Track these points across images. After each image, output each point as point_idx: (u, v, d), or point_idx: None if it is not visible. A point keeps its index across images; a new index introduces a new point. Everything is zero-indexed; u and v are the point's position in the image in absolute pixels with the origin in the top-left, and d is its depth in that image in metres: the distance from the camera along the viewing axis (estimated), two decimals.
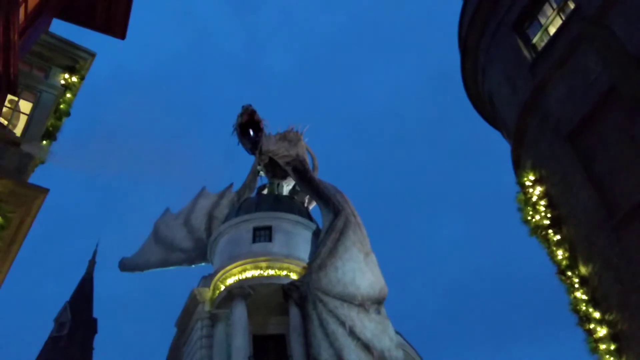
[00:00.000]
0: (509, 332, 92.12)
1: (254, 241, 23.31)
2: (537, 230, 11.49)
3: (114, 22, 12.34)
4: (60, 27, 13.52)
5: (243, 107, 27.40)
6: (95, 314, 37.08)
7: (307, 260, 22.37)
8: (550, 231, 11.27)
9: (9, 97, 12.20)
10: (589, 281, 10.52)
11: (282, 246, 23.05)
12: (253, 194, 28.11)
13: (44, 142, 13.27)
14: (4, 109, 12.35)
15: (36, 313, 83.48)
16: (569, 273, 10.84)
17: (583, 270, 10.64)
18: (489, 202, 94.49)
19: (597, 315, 10.21)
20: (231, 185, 29.20)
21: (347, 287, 20.70)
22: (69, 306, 35.71)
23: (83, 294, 37.48)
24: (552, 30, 11.64)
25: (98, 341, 36.04)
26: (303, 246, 23.41)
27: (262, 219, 24.19)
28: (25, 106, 13.50)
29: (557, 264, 11.09)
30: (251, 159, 28.84)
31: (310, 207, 27.86)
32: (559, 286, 11.12)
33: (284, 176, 27.58)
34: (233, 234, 24.08)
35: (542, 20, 12.04)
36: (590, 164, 10.42)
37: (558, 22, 11.54)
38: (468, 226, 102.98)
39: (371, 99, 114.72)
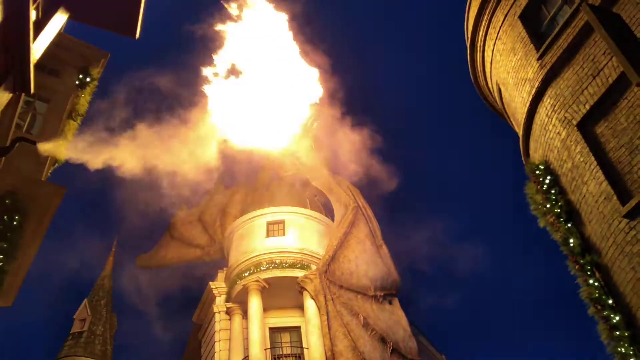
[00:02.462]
0: (524, 323, 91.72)
1: (267, 235, 23.54)
2: (548, 219, 11.49)
3: (126, 22, 12.48)
4: (75, 29, 13.70)
5: None
6: (114, 310, 37.51)
7: (320, 253, 22.54)
8: (561, 220, 11.27)
9: (25, 98, 12.43)
10: (601, 268, 10.52)
11: (296, 240, 23.24)
12: (266, 190, 28.29)
13: (60, 141, 13.50)
14: (20, 110, 12.58)
15: (56, 310, 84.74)
16: (582, 261, 10.83)
17: (596, 257, 10.63)
18: (502, 195, 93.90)
19: (610, 302, 10.21)
20: (244, 180, 29.43)
21: (360, 279, 20.86)
22: (88, 303, 36.16)
23: (102, 291, 37.91)
24: (560, 19, 11.59)
25: (118, 337, 36.51)
26: (316, 239, 23.58)
27: (275, 213, 24.40)
28: (41, 107, 13.73)
29: (569, 252, 11.09)
30: None
31: (323, 201, 27.99)
32: (572, 274, 11.12)
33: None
34: (247, 228, 24.31)
35: (550, 10, 11.99)
36: (600, 152, 10.39)
37: (566, 11, 11.49)
38: (479, 216, 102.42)
39: (384, 91, 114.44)
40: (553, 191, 11.47)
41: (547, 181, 11.61)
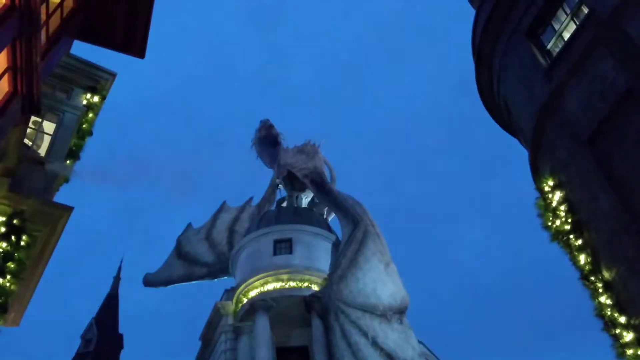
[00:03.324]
0: (534, 339, 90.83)
1: (274, 254, 23.43)
2: (558, 235, 11.40)
3: (134, 42, 12.64)
4: (81, 49, 13.86)
5: (261, 122, 27.76)
6: (120, 330, 37.44)
7: (327, 272, 22.42)
8: (571, 236, 11.16)
9: (33, 118, 12.52)
10: (613, 286, 10.38)
11: (303, 258, 23.12)
12: (272, 207, 28.32)
13: (68, 161, 13.55)
14: (28, 130, 12.66)
15: (63, 330, 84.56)
16: (593, 278, 10.71)
17: (606, 274, 10.50)
18: (510, 209, 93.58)
19: (622, 320, 10.07)
20: (251, 199, 29.53)
21: (368, 298, 20.68)
22: (95, 323, 36.12)
23: (109, 310, 37.88)
24: (567, 35, 11.59)
25: (124, 357, 36.36)
26: (323, 257, 23.46)
27: (282, 231, 24.31)
28: (49, 127, 13.81)
29: (580, 269, 10.97)
30: (270, 172, 29.12)
31: (329, 219, 27.97)
32: (583, 291, 11.00)
33: (303, 189, 27.76)
34: (254, 247, 24.22)
35: (556, 26, 12.00)
36: (609, 168, 10.30)
37: (572, 27, 11.50)
38: (490, 233, 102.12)
39: (390, 108, 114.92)
40: (562, 207, 11.39)
41: (556, 197, 11.53)
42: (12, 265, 10.64)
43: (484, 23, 13.55)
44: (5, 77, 8.67)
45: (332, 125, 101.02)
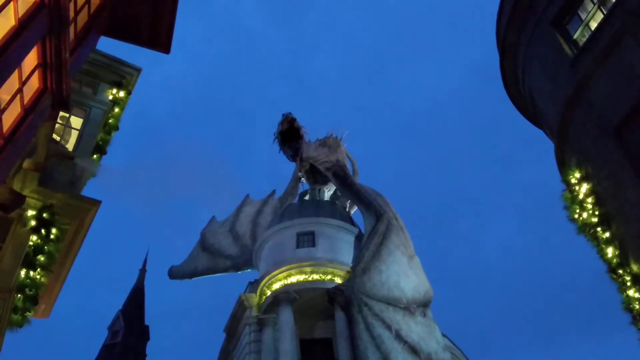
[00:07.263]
0: (560, 333, 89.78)
1: (297, 246, 23.48)
2: (585, 228, 11.25)
3: (159, 37, 12.76)
4: (106, 45, 14.06)
5: (283, 115, 27.76)
6: (146, 322, 37.98)
7: (350, 265, 22.43)
8: (599, 229, 11.01)
9: (61, 113, 12.74)
10: None
11: (326, 251, 23.15)
12: (295, 200, 28.40)
13: (95, 156, 13.78)
14: (56, 125, 12.89)
15: (91, 321, 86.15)
16: (620, 271, 10.57)
17: (635, 267, 10.36)
18: (538, 201, 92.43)
19: None
20: (274, 192, 29.62)
21: (391, 291, 20.64)
22: (121, 315, 36.70)
23: (135, 303, 38.43)
24: (594, 25, 11.40)
25: (150, 348, 36.93)
26: (346, 250, 23.46)
27: (304, 224, 24.35)
28: (76, 122, 14.05)
29: (608, 262, 10.83)
30: (293, 165, 29.20)
31: (352, 212, 27.95)
32: (611, 285, 10.87)
33: (325, 182, 27.77)
34: (277, 240, 24.33)
35: (583, 15, 11.80)
36: (637, 159, 10.14)
37: (599, 16, 11.30)
38: (517, 226, 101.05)
39: (417, 99, 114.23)
40: (589, 200, 11.24)
41: (583, 190, 11.38)
42: (42, 258, 10.88)
43: (509, 13, 13.39)
44: (36, 73, 8.83)
45: (356, 117, 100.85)
